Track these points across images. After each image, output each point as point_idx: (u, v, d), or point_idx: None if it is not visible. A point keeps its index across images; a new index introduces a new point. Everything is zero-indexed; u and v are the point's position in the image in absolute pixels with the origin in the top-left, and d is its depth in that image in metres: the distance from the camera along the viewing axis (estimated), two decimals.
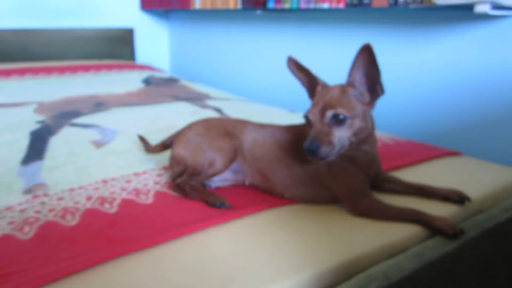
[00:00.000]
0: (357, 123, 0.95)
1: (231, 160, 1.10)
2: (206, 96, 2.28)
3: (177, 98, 2.20)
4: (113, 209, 0.99)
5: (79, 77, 2.82)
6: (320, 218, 0.99)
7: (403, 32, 1.91)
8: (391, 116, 1.99)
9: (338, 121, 0.92)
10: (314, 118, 0.95)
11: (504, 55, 1.58)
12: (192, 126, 1.19)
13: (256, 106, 2.07)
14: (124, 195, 1.06)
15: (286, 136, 1.12)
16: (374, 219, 0.99)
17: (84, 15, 3.28)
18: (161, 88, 2.52)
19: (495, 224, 1.07)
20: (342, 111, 0.92)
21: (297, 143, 1.09)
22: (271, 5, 2.27)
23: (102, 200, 1.03)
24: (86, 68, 2.96)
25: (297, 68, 1.03)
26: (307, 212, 1.02)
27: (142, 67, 3.17)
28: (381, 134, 1.57)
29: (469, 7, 1.51)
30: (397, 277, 0.82)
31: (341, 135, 0.93)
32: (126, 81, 2.68)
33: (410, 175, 1.23)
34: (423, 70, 1.86)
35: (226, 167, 1.09)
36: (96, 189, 1.09)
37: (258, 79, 2.79)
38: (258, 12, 2.46)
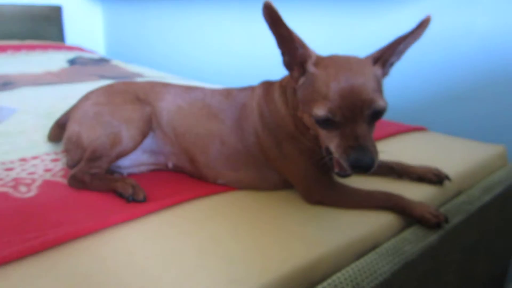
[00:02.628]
0: None
1: (144, 134, 0.83)
2: (138, 75, 1.98)
3: (103, 77, 1.89)
4: None
5: None
6: (265, 210, 0.74)
7: None
8: None
9: (376, 119, 0.65)
10: (344, 116, 0.63)
11: (472, 19, 1.40)
12: (89, 95, 0.90)
13: (192, 84, 1.79)
14: None
15: (221, 102, 0.86)
16: (337, 208, 0.76)
17: None
18: (87, 67, 2.19)
19: (479, 207, 0.88)
20: (384, 105, 0.64)
21: (236, 111, 0.84)
22: None
23: None
24: (2, 48, 2.56)
25: (274, 22, 0.66)
26: (249, 201, 0.77)
27: (71, 48, 2.80)
28: None
29: None
30: (372, 284, 0.59)
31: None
32: (48, 62, 2.33)
33: None
34: (382, 40, 1.66)
35: (137, 144, 0.81)
36: None
37: (202, 59, 2.51)
38: None
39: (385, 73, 0.72)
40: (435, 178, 0.88)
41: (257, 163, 0.82)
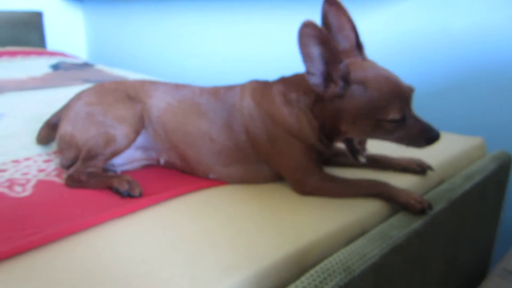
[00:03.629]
0: None
1: (137, 132, 0.84)
2: (123, 79, 1.98)
3: (88, 81, 1.89)
4: None
5: None
6: (257, 201, 0.77)
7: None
8: None
9: None
10: (408, 112, 0.73)
11: (448, 19, 1.46)
12: (81, 94, 0.91)
13: None
14: None
15: (210, 100, 0.87)
16: (327, 197, 0.79)
17: None
18: (71, 72, 2.18)
19: (460, 194, 0.92)
20: None
21: (225, 111, 0.85)
22: None
23: None
24: None
25: (324, 40, 0.69)
26: (240, 193, 0.80)
27: (53, 54, 2.78)
28: None
29: None
30: (362, 267, 0.62)
31: None
32: (31, 67, 2.31)
33: None
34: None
35: (130, 142, 0.83)
36: None
37: (185, 62, 2.52)
38: None
39: None
40: (419, 168, 0.92)
41: (248, 158, 0.84)
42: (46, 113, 1.24)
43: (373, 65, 0.75)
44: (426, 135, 0.72)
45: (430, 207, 0.79)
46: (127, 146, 0.83)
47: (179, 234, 0.65)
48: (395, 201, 0.78)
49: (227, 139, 0.84)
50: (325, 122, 0.78)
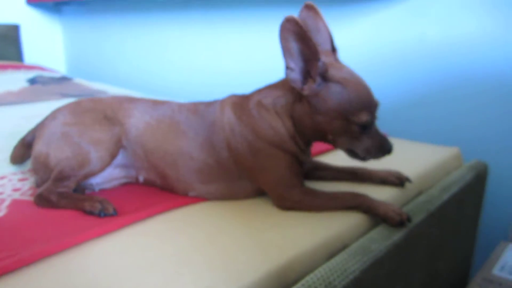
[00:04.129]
0: None
1: (113, 156, 0.83)
2: (101, 93, 1.97)
3: (66, 95, 1.87)
4: None
5: None
6: (238, 217, 0.76)
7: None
8: None
9: None
10: (373, 122, 0.79)
11: (423, 28, 1.49)
12: (57, 113, 0.89)
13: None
14: None
15: (190, 118, 0.87)
16: (307, 212, 0.79)
17: None
18: (49, 86, 2.15)
19: (438, 205, 0.93)
20: None
21: (206, 128, 0.84)
22: None
23: None
24: None
25: (302, 36, 0.70)
26: (220, 210, 0.79)
27: (31, 68, 2.74)
28: None
29: None
30: (343, 282, 0.62)
31: None
32: (8, 82, 2.27)
33: (335, 159, 1.05)
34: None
35: (105, 165, 0.82)
36: None
37: (165, 75, 2.51)
38: None
39: None
40: (397, 180, 0.93)
41: (229, 175, 0.83)
42: (22, 129, 1.21)
43: (348, 68, 0.78)
44: (385, 148, 0.78)
45: (409, 219, 0.79)
46: (101, 170, 0.82)
47: (157, 254, 0.64)
48: (374, 213, 0.79)
49: (208, 157, 0.84)
50: (304, 123, 0.79)
